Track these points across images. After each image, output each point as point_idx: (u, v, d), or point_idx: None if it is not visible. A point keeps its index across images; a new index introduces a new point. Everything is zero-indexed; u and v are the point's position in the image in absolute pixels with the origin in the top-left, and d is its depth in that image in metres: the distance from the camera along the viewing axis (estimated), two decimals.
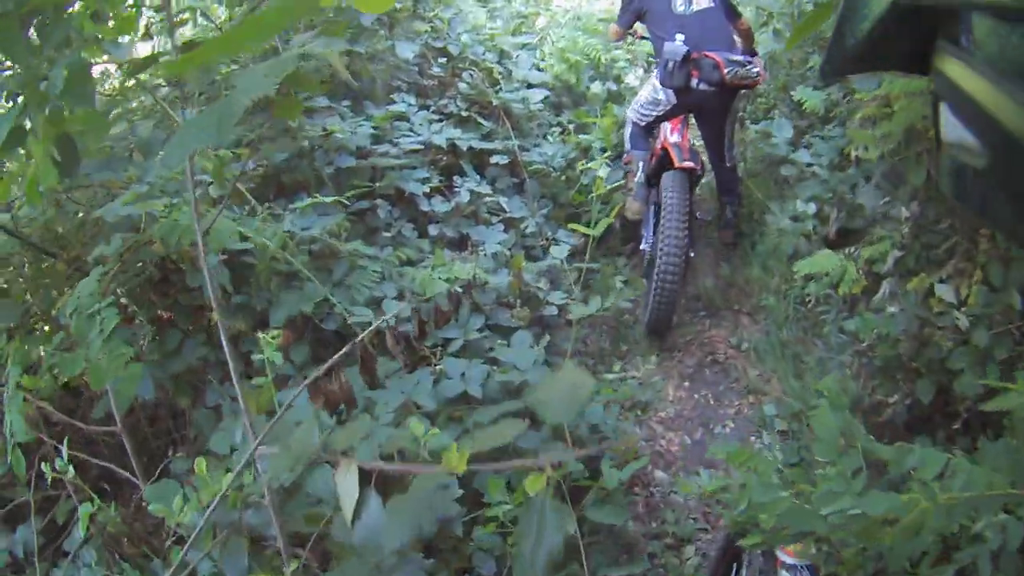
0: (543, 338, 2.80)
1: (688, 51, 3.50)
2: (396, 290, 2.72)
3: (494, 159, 4.01)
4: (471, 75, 4.33)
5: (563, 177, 4.25)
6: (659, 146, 3.90)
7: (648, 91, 3.81)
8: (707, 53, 3.51)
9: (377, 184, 3.36)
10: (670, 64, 3.53)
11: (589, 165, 3.57)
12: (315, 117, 3.28)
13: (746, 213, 4.22)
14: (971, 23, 0.77)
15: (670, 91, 3.63)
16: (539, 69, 4.79)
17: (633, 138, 4.00)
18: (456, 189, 3.72)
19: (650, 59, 5.06)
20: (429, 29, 4.28)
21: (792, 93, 4.08)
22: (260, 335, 1.60)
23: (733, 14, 3.81)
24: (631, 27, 4.03)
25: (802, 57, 4.33)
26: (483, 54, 4.53)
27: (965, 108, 0.78)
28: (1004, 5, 0.69)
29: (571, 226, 2.94)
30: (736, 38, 3.80)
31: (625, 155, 4.20)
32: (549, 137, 4.49)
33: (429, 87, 4.27)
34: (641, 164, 3.95)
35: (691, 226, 3.59)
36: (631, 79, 5.19)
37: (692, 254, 3.82)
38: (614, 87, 5.07)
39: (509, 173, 4.11)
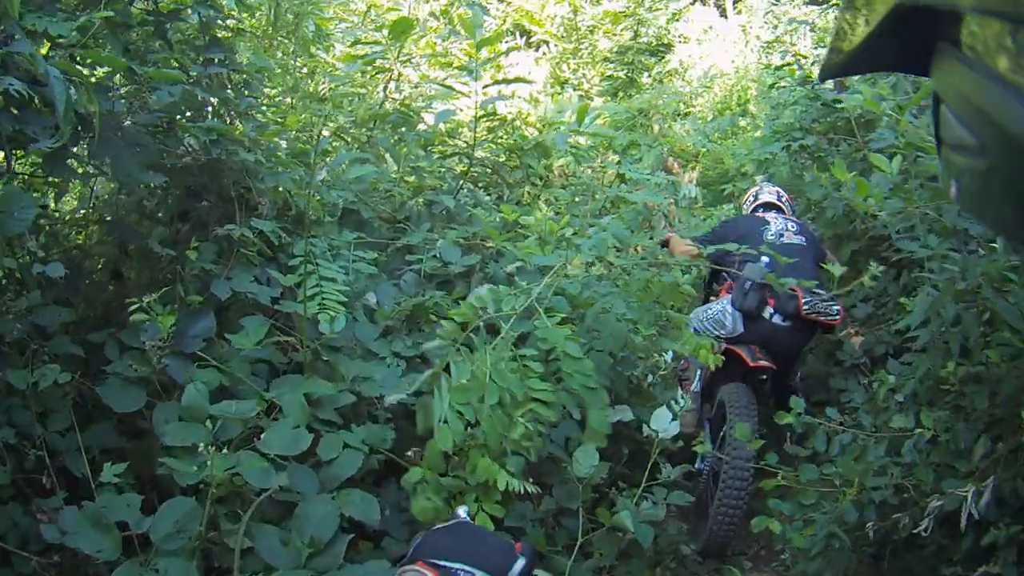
0: None
1: (768, 271, 3.21)
2: None
3: None
4: None
5: None
6: (722, 347, 3.39)
7: (717, 308, 3.53)
8: (790, 286, 3.16)
9: None
10: (747, 284, 3.31)
11: None
12: None
13: None
14: (972, 25, 0.77)
15: (739, 318, 3.39)
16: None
17: None
18: None
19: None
20: None
21: None
22: None
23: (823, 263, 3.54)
24: (711, 250, 3.51)
25: None
26: None
27: (965, 110, 0.78)
28: (1004, 7, 0.69)
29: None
30: (823, 280, 3.36)
31: (683, 360, 3.77)
32: None
33: None
34: (699, 372, 3.58)
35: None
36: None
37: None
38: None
39: None
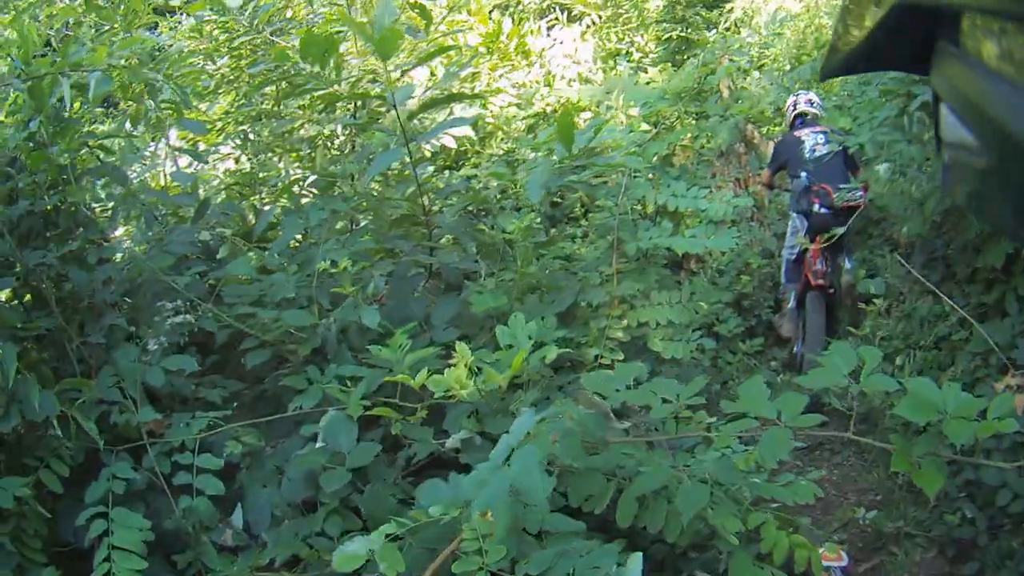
0: None
1: (808, 182, 4.65)
2: None
3: None
4: None
5: None
6: (804, 274, 4.85)
7: (789, 227, 5.00)
8: (823, 185, 4.58)
9: None
10: (796, 193, 4.78)
11: None
12: None
13: None
14: (971, 24, 0.77)
15: (800, 217, 4.76)
16: None
17: (787, 273, 5.09)
18: None
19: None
20: None
21: None
22: None
23: (852, 164, 4.80)
24: (776, 172, 5.19)
25: None
26: None
27: (965, 109, 0.78)
28: (1003, 6, 0.69)
29: None
30: (851, 176, 4.71)
31: (781, 288, 5.29)
32: None
33: None
34: (793, 294, 4.95)
35: (829, 331, 4.62)
36: None
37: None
38: None
39: None
